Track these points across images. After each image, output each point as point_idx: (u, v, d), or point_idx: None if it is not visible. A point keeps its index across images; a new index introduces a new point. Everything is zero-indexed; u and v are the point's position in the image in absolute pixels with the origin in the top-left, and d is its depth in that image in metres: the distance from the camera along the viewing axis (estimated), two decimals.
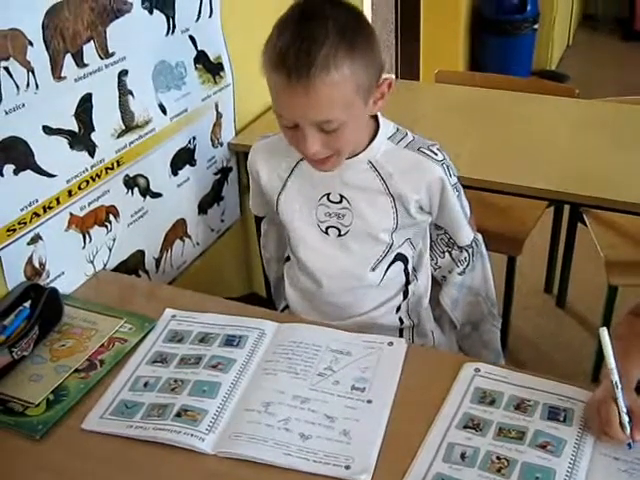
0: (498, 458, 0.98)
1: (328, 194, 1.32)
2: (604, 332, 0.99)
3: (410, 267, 1.41)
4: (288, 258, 1.48)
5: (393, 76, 1.22)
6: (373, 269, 1.36)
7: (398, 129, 1.31)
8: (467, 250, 1.41)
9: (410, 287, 1.42)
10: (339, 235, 1.34)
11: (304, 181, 1.33)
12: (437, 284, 1.48)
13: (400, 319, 1.43)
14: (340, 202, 1.31)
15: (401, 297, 1.42)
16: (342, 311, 1.40)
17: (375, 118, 1.28)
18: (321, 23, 1.09)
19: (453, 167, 1.31)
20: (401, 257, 1.38)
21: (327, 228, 1.34)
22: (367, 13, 3.71)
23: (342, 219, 1.32)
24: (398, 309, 1.43)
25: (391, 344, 1.21)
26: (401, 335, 1.44)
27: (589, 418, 1.02)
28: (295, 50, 1.07)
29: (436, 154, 1.28)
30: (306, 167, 1.29)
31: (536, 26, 4.07)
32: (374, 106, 1.21)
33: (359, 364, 1.17)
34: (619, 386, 0.97)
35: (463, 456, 0.99)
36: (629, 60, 4.60)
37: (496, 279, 1.49)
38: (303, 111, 1.13)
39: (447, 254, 1.43)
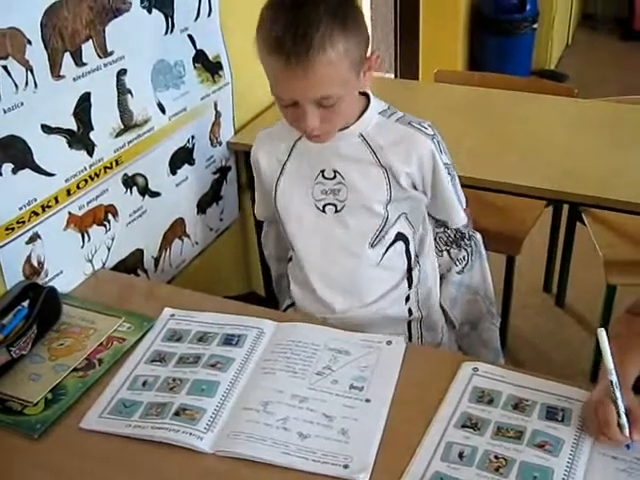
0: (496, 457, 0.99)
1: (323, 171, 1.33)
2: (602, 333, 0.98)
3: (412, 250, 1.40)
4: (291, 258, 1.48)
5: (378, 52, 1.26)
6: (372, 245, 1.36)
7: (389, 106, 1.34)
8: (466, 249, 1.41)
9: (414, 273, 1.41)
10: (336, 211, 1.34)
11: (301, 162, 1.34)
12: None
13: (409, 310, 1.43)
14: (334, 177, 1.32)
15: (406, 285, 1.41)
16: (348, 300, 1.39)
17: (366, 95, 1.31)
18: (313, 9, 1.12)
19: (445, 146, 1.32)
20: (401, 237, 1.38)
21: (324, 206, 1.35)
22: (366, 12, 3.72)
23: (338, 194, 1.33)
24: (407, 299, 1.42)
25: (390, 343, 1.21)
26: (409, 328, 1.44)
27: (586, 419, 1.02)
28: (291, 35, 1.10)
29: (427, 129, 1.30)
30: (303, 146, 1.32)
31: (535, 25, 4.07)
32: (364, 78, 1.24)
33: (358, 363, 1.17)
34: (618, 386, 0.97)
35: (461, 455, 0.99)
36: (628, 60, 4.59)
37: (495, 278, 1.49)
38: (303, 91, 1.16)
39: (446, 253, 1.43)
